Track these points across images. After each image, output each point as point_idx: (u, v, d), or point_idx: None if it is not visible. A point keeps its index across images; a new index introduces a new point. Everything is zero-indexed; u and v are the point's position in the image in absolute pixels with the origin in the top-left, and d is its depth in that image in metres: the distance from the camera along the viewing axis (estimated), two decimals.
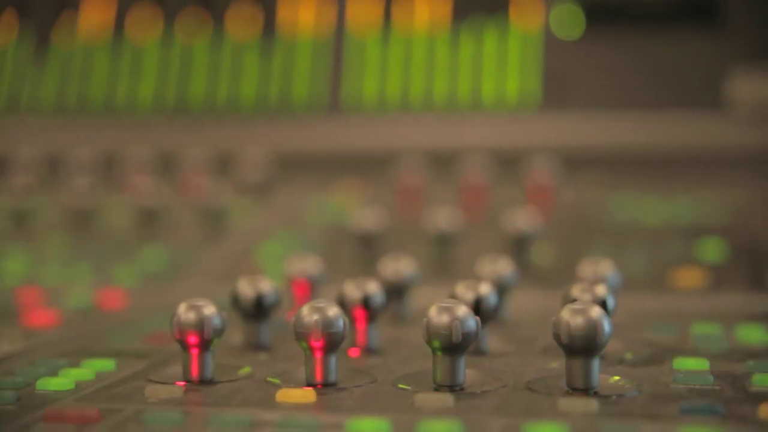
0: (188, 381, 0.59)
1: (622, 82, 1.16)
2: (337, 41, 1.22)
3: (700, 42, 1.15)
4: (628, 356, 0.64)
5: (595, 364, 0.55)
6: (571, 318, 0.55)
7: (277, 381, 0.58)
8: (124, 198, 1.08)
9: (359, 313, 0.65)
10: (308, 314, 0.57)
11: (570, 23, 1.18)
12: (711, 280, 0.85)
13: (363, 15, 1.22)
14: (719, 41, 1.15)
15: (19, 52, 1.28)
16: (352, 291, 0.65)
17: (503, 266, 0.72)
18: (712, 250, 0.90)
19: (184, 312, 0.59)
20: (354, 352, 0.65)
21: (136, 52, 1.25)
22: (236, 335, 0.68)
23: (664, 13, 1.17)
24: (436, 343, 0.56)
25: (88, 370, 0.61)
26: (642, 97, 1.15)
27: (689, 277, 0.85)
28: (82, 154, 1.17)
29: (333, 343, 0.57)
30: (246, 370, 0.61)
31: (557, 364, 0.60)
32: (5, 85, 1.27)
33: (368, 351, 0.66)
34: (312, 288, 0.76)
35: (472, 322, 0.56)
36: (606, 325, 0.55)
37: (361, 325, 0.66)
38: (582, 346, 0.54)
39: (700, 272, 0.86)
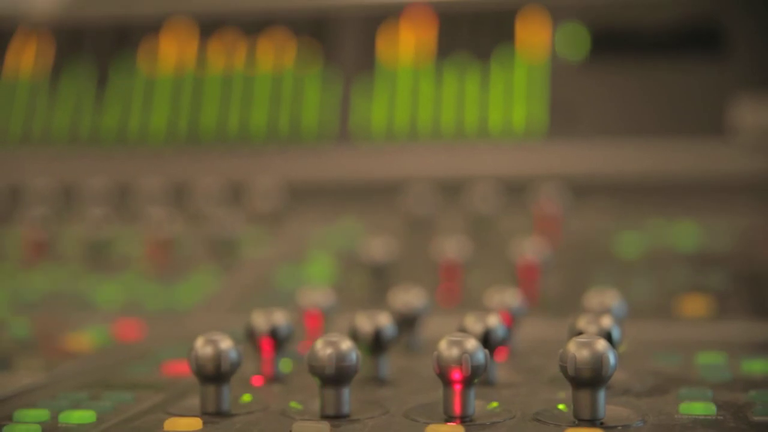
0: (206, 414, 0.60)
1: (628, 109, 1.17)
2: (346, 72, 1.23)
3: (704, 70, 1.16)
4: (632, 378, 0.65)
5: (601, 395, 0.57)
6: (577, 351, 0.56)
7: (299, 407, 0.60)
8: (137, 228, 1.09)
9: (370, 345, 0.67)
10: (322, 348, 0.59)
11: (576, 52, 1.20)
12: (715, 308, 0.86)
13: (371, 47, 1.24)
14: (724, 69, 1.16)
15: (32, 83, 1.30)
16: (364, 323, 0.67)
17: (511, 297, 0.74)
18: (717, 277, 0.91)
19: (201, 346, 0.60)
20: (366, 384, 0.67)
21: (148, 83, 1.27)
22: (250, 367, 0.70)
23: (669, 41, 1.19)
24: (446, 377, 0.57)
25: (109, 402, 0.62)
26: (647, 125, 1.16)
27: (694, 306, 0.86)
28: (95, 184, 1.19)
29: (346, 376, 0.59)
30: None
31: (564, 394, 0.62)
32: (18, 116, 1.29)
33: (380, 382, 0.67)
34: (324, 319, 0.78)
35: (481, 355, 0.58)
36: (611, 358, 0.56)
37: (372, 357, 0.67)
38: (588, 379, 0.56)
39: (705, 300, 0.87)
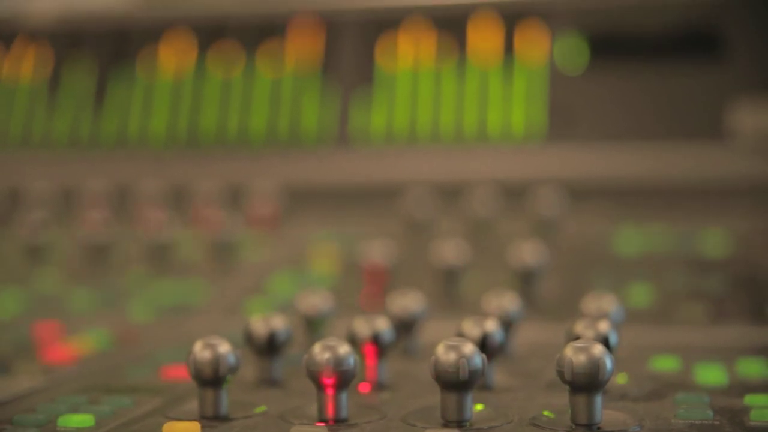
0: (204, 417, 0.60)
1: (627, 114, 1.18)
2: (345, 75, 1.24)
3: (703, 74, 1.17)
4: (630, 383, 0.66)
5: (598, 400, 0.57)
6: (574, 356, 0.56)
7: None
8: (136, 231, 1.10)
9: (369, 349, 0.67)
10: (320, 353, 0.59)
11: (574, 56, 1.20)
12: (713, 312, 0.86)
13: (370, 51, 1.24)
14: (722, 73, 1.16)
15: (32, 86, 1.30)
16: (362, 328, 0.67)
17: (509, 301, 0.74)
18: (715, 282, 0.92)
19: (200, 350, 0.61)
20: (364, 388, 0.67)
21: (147, 87, 1.27)
22: (249, 371, 0.70)
23: (667, 45, 1.19)
24: (444, 381, 0.58)
25: (107, 406, 0.63)
26: (646, 129, 1.17)
27: (691, 310, 0.87)
28: (94, 187, 1.19)
29: (344, 380, 0.59)
30: (262, 408, 0.63)
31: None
32: (18, 119, 1.29)
33: (378, 386, 0.67)
34: (322, 323, 0.78)
35: (478, 359, 0.58)
36: (608, 363, 0.56)
37: (371, 362, 0.68)
38: (585, 384, 0.56)
39: (703, 305, 0.87)
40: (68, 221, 1.15)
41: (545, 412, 0.60)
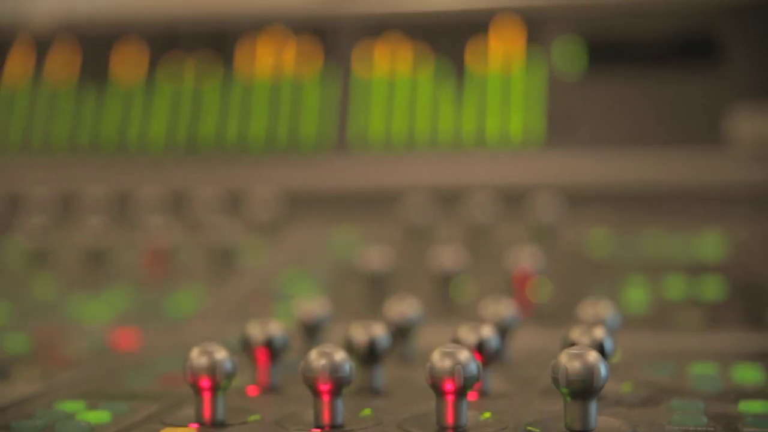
0: (201, 423, 0.61)
1: (625, 120, 1.18)
2: (344, 81, 1.24)
3: (701, 80, 1.17)
4: (626, 389, 0.66)
5: (593, 406, 0.57)
6: (568, 363, 0.57)
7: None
8: (136, 237, 1.10)
9: (365, 355, 0.67)
10: (316, 359, 0.59)
11: (573, 62, 1.20)
12: (710, 318, 0.87)
13: (369, 56, 1.24)
14: (720, 79, 1.17)
15: (31, 91, 1.31)
16: (359, 334, 0.68)
17: (505, 307, 0.74)
18: (712, 288, 0.92)
19: (197, 357, 0.61)
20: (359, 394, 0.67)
21: (147, 93, 1.28)
22: (246, 377, 0.70)
23: (666, 51, 1.19)
24: (439, 388, 0.58)
25: (105, 412, 0.63)
26: (644, 135, 1.17)
27: (689, 316, 0.87)
28: (94, 193, 1.19)
29: (340, 386, 0.59)
30: (256, 417, 0.63)
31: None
32: (18, 124, 1.29)
33: (374, 392, 0.68)
34: (319, 329, 0.78)
35: (473, 366, 0.58)
36: (603, 370, 0.57)
37: (367, 367, 0.68)
38: (579, 390, 0.56)
39: (700, 310, 0.88)
40: (68, 227, 1.15)
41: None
